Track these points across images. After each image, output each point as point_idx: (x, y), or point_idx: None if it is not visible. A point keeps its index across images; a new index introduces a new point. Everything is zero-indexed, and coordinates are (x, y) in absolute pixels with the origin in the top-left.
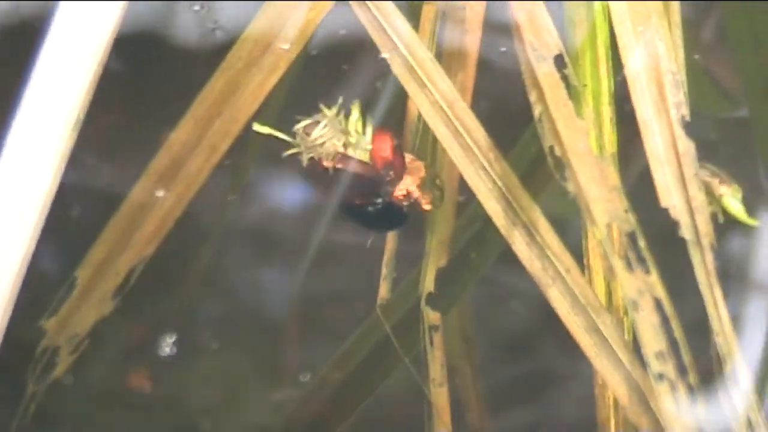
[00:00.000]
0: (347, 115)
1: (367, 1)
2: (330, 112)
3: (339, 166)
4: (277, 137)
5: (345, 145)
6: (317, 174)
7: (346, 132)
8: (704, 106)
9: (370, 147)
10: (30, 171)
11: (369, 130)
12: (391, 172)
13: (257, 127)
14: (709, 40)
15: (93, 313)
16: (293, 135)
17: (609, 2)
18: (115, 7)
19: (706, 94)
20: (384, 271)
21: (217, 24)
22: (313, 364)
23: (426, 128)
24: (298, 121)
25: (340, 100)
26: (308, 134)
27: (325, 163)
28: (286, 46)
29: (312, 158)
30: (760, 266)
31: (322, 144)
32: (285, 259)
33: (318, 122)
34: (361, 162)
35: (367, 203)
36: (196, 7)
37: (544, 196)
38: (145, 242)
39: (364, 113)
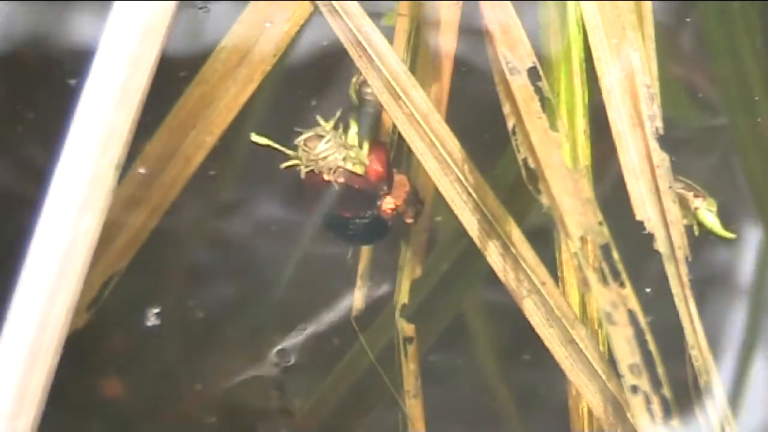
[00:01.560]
0: (345, 129)
1: (342, 15)
2: (328, 125)
3: (340, 180)
4: (275, 148)
5: (344, 159)
6: (316, 186)
7: (347, 146)
8: (679, 117)
9: (368, 162)
10: (74, 212)
11: (366, 144)
12: (385, 187)
13: (255, 137)
14: (686, 50)
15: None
16: (293, 146)
17: (583, 15)
18: (149, 60)
19: (681, 105)
20: (359, 282)
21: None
22: (290, 381)
23: (401, 140)
24: (299, 134)
25: (338, 113)
26: (309, 147)
27: (327, 177)
28: (267, 50)
29: (311, 171)
30: (734, 278)
31: (325, 158)
32: (261, 271)
33: (319, 136)
34: (359, 176)
35: (355, 217)
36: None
37: (519, 208)
38: (118, 255)
39: (361, 127)
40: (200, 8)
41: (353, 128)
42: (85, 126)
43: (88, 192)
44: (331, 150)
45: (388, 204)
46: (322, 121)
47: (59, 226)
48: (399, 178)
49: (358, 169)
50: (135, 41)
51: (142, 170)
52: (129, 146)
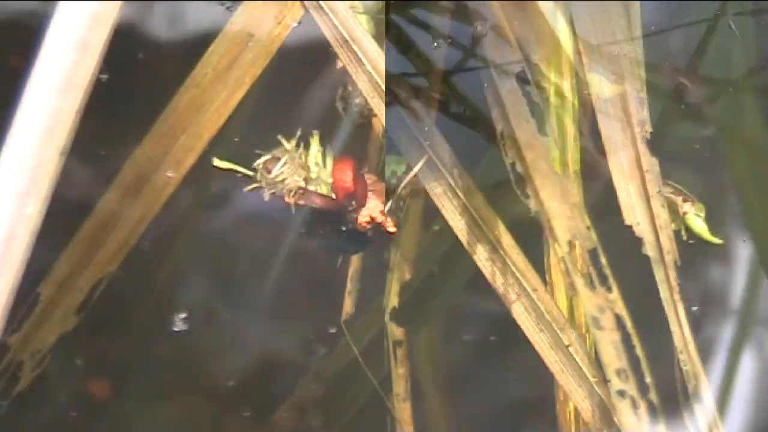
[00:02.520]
0: (307, 147)
1: (332, 17)
2: (289, 145)
3: (300, 202)
4: (237, 171)
5: (306, 180)
6: (279, 210)
7: (305, 167)
8: (669, 122)
9: (330, 180)
10: (18, 197)
11: (329, 161)
12: (354, 202)
13: (217, 162)
14: (676, 54)
15: (56, 329)
16: (254, 169)
17: (573, 18)
18: (97, 46)
19: (670, 109)
20: (348, 286)
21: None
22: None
23: None
24: (259, 156)
25: (299, 132)
26: (269, 170)
27: (287, 200)
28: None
29: (274, 193)
30: (723, 284)
31: (283, 180)
32: (249, 275)
33: (277, 158)
34: (322, 196)
35: (330, 232)
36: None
37: (509, 212)
38: (108, 258)
39: (324, 144)
40: (227, 8)
41: (314, 147)
42: (31, 111)
43: (33, 177)
44: (289, 172)
45: (363, 217)
46: (284, 141)
47: (2, 210)
48: (379, 187)
49: (323, 189)
50: (83, 27)
51: (169, 174)
52: (75, 131)
